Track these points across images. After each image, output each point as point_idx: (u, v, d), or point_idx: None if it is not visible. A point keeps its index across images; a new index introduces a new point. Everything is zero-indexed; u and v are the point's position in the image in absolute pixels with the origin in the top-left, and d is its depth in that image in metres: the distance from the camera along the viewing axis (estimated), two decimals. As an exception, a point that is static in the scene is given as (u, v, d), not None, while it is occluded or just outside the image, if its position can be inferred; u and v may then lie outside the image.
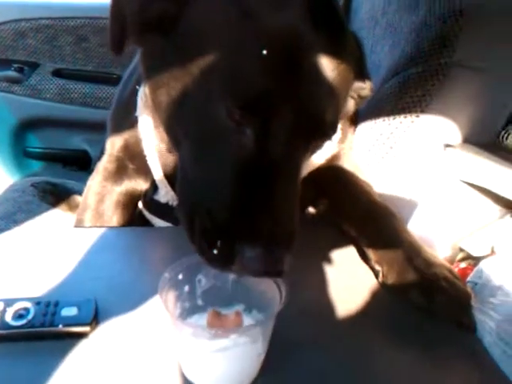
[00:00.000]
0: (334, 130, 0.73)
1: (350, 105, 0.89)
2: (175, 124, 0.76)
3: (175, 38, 0.72)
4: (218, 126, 0.67)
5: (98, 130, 1.25)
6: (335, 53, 0.69)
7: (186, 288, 0.67)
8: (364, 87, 0.86)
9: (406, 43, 1.15)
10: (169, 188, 1.00)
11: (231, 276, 0.67)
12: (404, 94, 1.08)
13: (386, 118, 1.09)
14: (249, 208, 0.64)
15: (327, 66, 0.68)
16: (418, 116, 1.05)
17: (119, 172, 1.08)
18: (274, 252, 0.63)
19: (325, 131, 0.72)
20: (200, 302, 0.68)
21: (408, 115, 1.06)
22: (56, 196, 1.53)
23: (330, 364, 0.69)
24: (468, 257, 0.89)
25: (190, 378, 0.63)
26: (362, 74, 0.83)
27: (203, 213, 0.67)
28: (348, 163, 1.06)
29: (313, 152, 0.75)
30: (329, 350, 0.71)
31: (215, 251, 0.63)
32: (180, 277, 0.66)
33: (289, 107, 0.65)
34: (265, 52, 0.64)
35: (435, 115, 1.04)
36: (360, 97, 0.88)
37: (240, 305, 0.68)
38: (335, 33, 0.71)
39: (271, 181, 0.66)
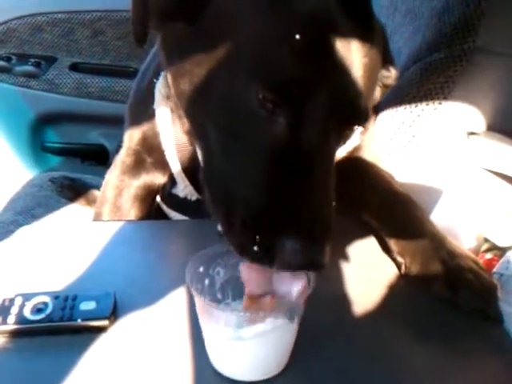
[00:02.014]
0: (367, 117, 0.71)
1: (376, 93, 0.87)
2: (200, 113, 0.74)
3: (201, 23, 0.70)
4: (248, 113, 0.65)
5: (116, 123, 1.24)
6: (366, 38, 0.67)
7: (206, 281, 0.66)
8: (389, 75, 0.84)
9: (427, 29, 1.12)
10: (187, 182, 0.99)
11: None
12: (426, 81, 1.05)
13: (408, 106, 1.07)
14: (286, 200, 0.62)
15: (359, 51, 0.66)
16: (440, 103, 1.02)
17: (137, 166, 1.07)
18: (316, 245, 0.61)
19: (358, 118, 0.70)
20: (219, 295, 0.67)
21: (430, 102, 1.04)
22: (74, 191, 1.54)
23: (351, 355, 0.67)
24: (493, 247, 0.87)
25: (221, 370, 0.62)
26: (386, 61, 0.80)
27: (239, 208, 0.64)
28: (369, 154, 1.04)
29: (344, 141, 0.73)
30: (350, 341, 0.70)
31: (256, 247, 0.61)
32: (201, 270, 0.65)
33: (322, 93, 0.63)
34: (297, 36, 0.62)
35: (458, 102, 1.01)
36: (385, 85, 0.85)
37: None
38: (364, 18, 0.69)
39: (306, 171, 0.63)
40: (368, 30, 0.69)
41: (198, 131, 0.77)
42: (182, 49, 0.74)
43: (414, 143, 1.04)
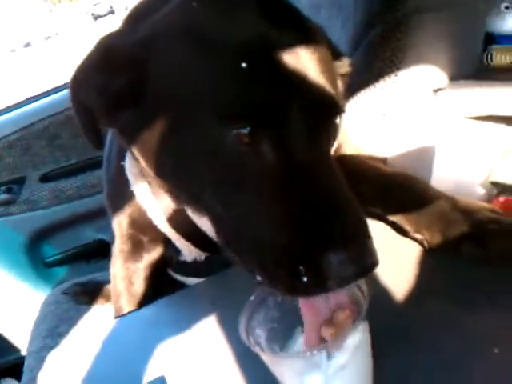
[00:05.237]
0: (341, 105, 0.70)
1: (339, 85, 0.86)
2: (187, 180, 0.71)
3: (148, 101, 0.69)
4: (233, 157, 0.64)
5: (105, 214, 1.23)
6: (306, 39, 0.67)
7: (257, 349, 0.61)
8: (342, 64, 0.83)
9: (356, 12, 1.13)
10: (191, 246, 0.98)
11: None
12: (373, 60, 1.05)
13: (367, 90, 1.06)
14: (310, 220, 0.60)
15: (306, 52, 0.65)
16: (396, 75, 1.02)
17: (136, 249, 1.06)
18: (361, 246, 0.59)
19: (334, 109, 0.69)
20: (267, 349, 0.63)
21: (386, 77, 1.03)
22: (89, 294, 1.52)
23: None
24: (504, 188, 0.86)
25: None
26: (334, 52, 0.80)
27: (270, 250, 0.62)
28: (349, 148, 1.02)
29: (334, 138, 0.71)
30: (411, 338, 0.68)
31: (305, 279, 0.58)
32: (251, 340, 0.61)
33: (292, 104, 0.62)
34: (244, 65, 0.61)
35: (412, 67, 1.01)
36: (342, 75, 0.84)
37: (298, 328, 0.65)
38: (295, 22, 0.69)
39: (313, 183, 0.62)
40: (304, 31, 0.69)
41: (191, 197, 0.75)
42: (142, 131, 0.72)
43: (387, 121, 1.04)
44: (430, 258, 0.80)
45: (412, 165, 0.97)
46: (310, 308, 0.62)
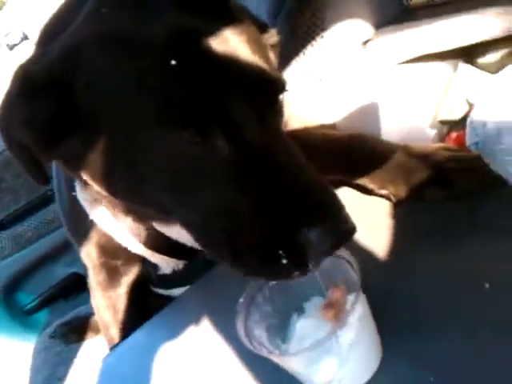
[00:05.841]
0: (281, 80, 0.68)
1: (272, 57, 0.84)
2: (147, 195, 0.68)
3: (84, 123, 0.64)
4: (188, 159, 0.61)
5: (71, 247, 1.20)
6: (229, 20, 0.64)
7: (264, 351, 0.61)
8: (269, 35, 0.82)
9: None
10: (165, 258, 0.96)
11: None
12: (297, 27, 1.04)
13: (297, 58, 1.05)
14: (278, 201, 0.59)
15: (233, 34, 0.63)
16: (322, 36, 1.01)
17: (112, 276, 1.04)
18: (335, 216, 0.58)
19: (276, 85, 0.67)
20: (276, 350, 0.63)
21: (313, 41, 1.02)
22: (77, 331, 1.49)
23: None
24: (454, 124, 0.86)
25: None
26: (259, 26, 0.77)
27: (244, 241, 0.61)
28: (296, 122, 1.01)
29: (281, 114, 0.69)
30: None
31: (284, 261, 0.57)
32: (255, 345, 0.60)
33: (231, 92, 0.60)
34: (173, 62, 0.58)
35: (336, 24, 1.00)
36: (272, 46, 0.83)
37: (293, 315, 0.65)
38: (217, 7, 0.66)
39: (273, 164, 0.60)
40: (227, 14, 0.66)
41: (155, 209, 0.73)
42: (84, 154, 0.68)
43: (325, 86, 1.03)
44: (401, 210, 0.80)
45: (360, 123, 0.97)
46: None
